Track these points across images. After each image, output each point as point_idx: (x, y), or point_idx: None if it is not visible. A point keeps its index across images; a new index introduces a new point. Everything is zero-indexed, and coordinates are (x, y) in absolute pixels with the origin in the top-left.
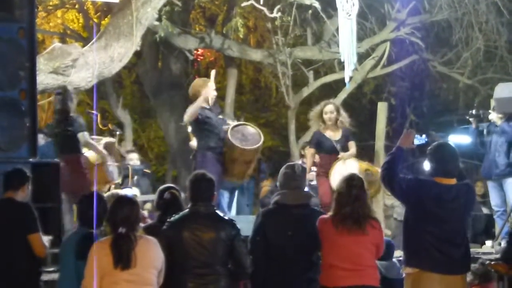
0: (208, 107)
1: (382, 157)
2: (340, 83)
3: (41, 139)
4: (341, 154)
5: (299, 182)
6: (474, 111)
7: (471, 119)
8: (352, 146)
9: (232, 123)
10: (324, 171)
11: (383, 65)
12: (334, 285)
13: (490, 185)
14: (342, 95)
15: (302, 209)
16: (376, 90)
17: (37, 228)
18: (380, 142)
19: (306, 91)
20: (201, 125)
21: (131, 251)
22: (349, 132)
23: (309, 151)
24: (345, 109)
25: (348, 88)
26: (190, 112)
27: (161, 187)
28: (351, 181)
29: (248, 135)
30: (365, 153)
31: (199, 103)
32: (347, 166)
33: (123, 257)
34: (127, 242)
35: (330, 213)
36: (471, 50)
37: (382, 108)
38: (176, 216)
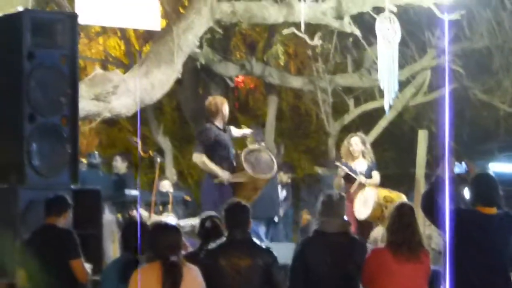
0: (221, 127)
1: (422, 185)
2: (381, 111)
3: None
4: (364, 180)
5: (338, 210)
6: None
7: None
8: (376, 175)
9: (250, 146)
10: (349, 199)
11: (424, 92)
12: None
13: None
14: (383, 122)
15: (342, 237)
16: (416, 117)
17: (79, 253)
18: (420, 170)
19: (346, 118)
20: (213, 148)
21: (181, 279)
22: (374, 165)
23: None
24: (385, 136)
25: (389, 115)
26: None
27: (202, 215)
28: (402, 209)
29: (261, 162)
30: (405, 180)
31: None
32: (365, 194)
33: (174, 285)
34: (179, 271)
35: (382, 244)
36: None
37: (422, 136)
38: (213, 245)
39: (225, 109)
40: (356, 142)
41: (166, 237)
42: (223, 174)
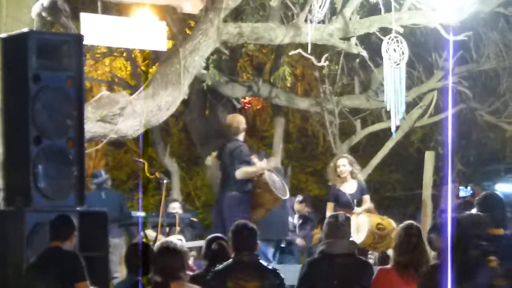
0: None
1: (429, 206)
2: (387, 132)
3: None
4: (355, 210)
5: (343, 231)
6: None
7: None
8: (367, 200)
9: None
10: None
11: (430, 114)
12: None
13: None
14: (390, 143)
15: (348, 258)
16: (423, 139)
17: (85, 277)
18: (427, 191)
19: (353, 140)
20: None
21: None
22: (364, 186)
23: (329, 206)
24: (392, 157)
25: (395, 137)
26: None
27: (209, 237)
28: (409, 229)
29: (276, 182)
30: (412, 201)
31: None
32: (358, 221)
33: None
34: None
35: (390, 264)
36: None
37: (429, 157)
38: (220, 266)
39: (243, 127)
40: (343, 163)
41: (161, 258)
42: (263, 164)
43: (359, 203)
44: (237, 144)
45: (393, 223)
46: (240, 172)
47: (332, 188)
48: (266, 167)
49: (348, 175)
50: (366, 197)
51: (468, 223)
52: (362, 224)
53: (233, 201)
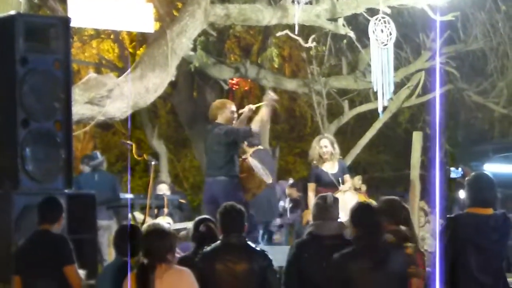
0: None
1: (417, 187)
2: (375, 113)
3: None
4: (341, 187)
5: (332, 212)
6: None
7: None
8: (348, 179)
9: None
10: None
11: (418, 94)
12: None
13: None
14: (377, 124)
15: (336, 240)
16: (411, 119)
17: (73, 260)
18: (415, 171)
19: (341, 121)
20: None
21: (151, 282)
22: (344, 165)
23: (310, 186)
24: (380, 138)
25: (383, 117)
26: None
27: (196, 219)
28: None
29: (259, 168)
30: (400, 182)
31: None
32: (346, 198)
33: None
34: (149, 273)
35: None
36: (506, 80)
37: (417, 138)
38: (208, 248)
39: (225, 114)
40: (325, 144)
41: (149, 240)
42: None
43: (343, 182)
44: (220, 127)
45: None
46: (254, 122)
47: (314, 169)
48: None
49: (330, 156)
50: (347, 177)
51: (382, 209)
52: (349, 201)
53: (227, 186)
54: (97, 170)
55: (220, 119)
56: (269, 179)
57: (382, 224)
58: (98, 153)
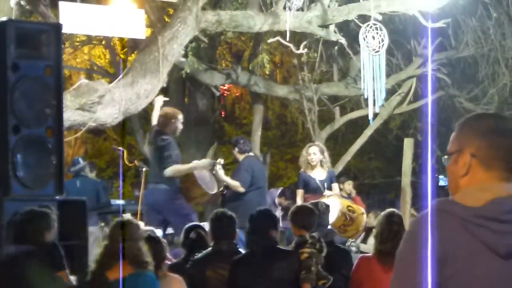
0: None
1: (408, 194)
2: (366, 119)
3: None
4: (326, 192)
5: (322, 219)
6: None
7: None
8: (335, 188)
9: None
10: None
11: (409, 101)
12: None
13: None
14: (368, 131)
15: (327, 247)
16: (402, 126)
17: (64, 265)
18: (406, 178)
19: (332, 127)
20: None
21: None
22: (333, 174)
23: (298, 192)
24: (371, 145)
25: (374, 124)
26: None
27: (187, 225)
28: (390, 217)
29: (205, 177)
30: (391, 189)
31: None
32: (329, 202)
33: None
34: None
35: (372, 252)
36: (497, 86)
37: (408, 144)
38: (199, 255)
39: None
40: (314, 152)
41: (150, 248)
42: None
43: (330, 189)
44: (163, 138)
45: (362, 209)
46: (171, 171)
47: (302, 175)
48: (196, 167)
49: (318, 163)
50: (335, 185)
51: (260, 215)
52: (333, 206)
53: (168, 195)
54: (79, 176)
55: (168, 130)
56: (213, 189)
57: (272, 230)
58: (80, 159)
